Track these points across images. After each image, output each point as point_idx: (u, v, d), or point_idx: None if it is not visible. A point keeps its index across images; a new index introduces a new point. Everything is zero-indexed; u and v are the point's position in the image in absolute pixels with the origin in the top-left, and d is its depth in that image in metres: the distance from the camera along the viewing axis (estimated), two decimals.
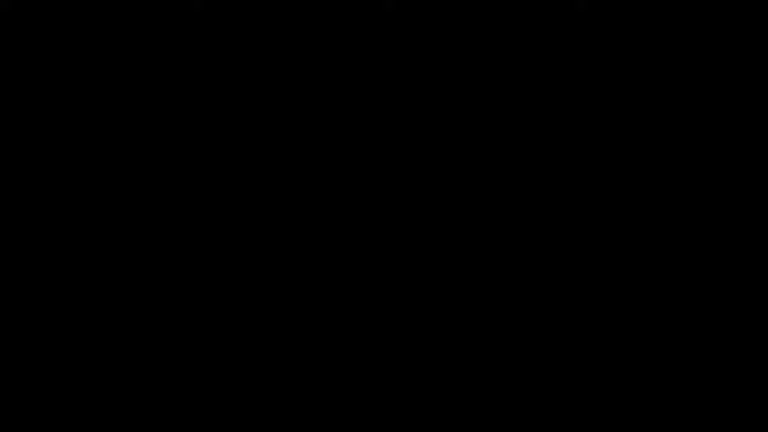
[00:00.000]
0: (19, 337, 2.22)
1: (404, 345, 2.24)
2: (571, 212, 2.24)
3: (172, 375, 2.22)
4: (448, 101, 2.26)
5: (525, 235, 2.24)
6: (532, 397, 2.21)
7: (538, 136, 2.26)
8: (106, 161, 2.26)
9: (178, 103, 2.26)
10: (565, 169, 2.25)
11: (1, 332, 2.22)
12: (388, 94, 2.27)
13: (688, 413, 2.20)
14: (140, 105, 2.26)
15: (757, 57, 2.24)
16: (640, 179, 2.24)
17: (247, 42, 2.27)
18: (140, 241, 2.25)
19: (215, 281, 2.25)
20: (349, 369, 2.23)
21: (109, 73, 2.26)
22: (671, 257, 2.23)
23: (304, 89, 2.27)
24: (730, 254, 2.22)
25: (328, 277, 2.25)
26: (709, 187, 2.23)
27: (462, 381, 2.22)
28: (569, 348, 2.22)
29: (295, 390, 2.23)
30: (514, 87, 2.26)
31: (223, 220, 2.25)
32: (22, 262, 2.24)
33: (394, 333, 2.24)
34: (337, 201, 2.26)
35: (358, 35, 2.27)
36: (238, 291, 2.25)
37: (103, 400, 2.22)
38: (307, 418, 2.22)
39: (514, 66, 2.26)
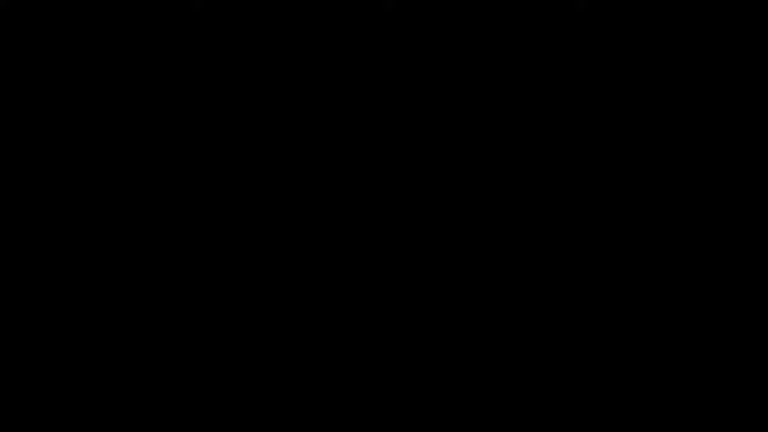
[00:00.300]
0: (19, 337, 2.22)
1: (404, 345, 2.24)
2: (571, 212, 2.24)
3: (172, 375, 2.22)
4: (448, 101, 2.27)
5: (525, 235, 2.24)
6: (532, 397, 2.22)
7: (538, 135, 2.26)
8: (106, 161, 2.25)
9: (178, 103, 2.26)
10: (565, 168, 2.25)
11: (1, 332, 2.22)
12: (388, 94, 2.27)
13: (688, 413, 2.20)
14: (140, 105, 2.26)
15: (757, 57, 2.24)
16: (640, 179, 2.24)
17: (247, 42, 2.27)
18: (140, 240, 2.24)
19: (215, 281, 2.25)
20: (349, 369, 2.23)
21: (108, 73, 2.26)
22: (671, 257, 2.23)
23: (304, 89, 2.27)
24: (730, 254, 2.23)
25: (328, 276, 2.25)
26: (708, 187, 2.24)
27: (462, 381, 2.22)
28: (569, 348, 2.23)
29: (295, 390, 2.23)
30: (514, 87, 2.26)
31: (223, 220, 2.25)
32: (22, 262, 2.23)
33: (394, 333, 2.24)
34: (337, 201, 2.26)
35: (358, 35, 2.27)
36: (238, 291, 2.24)
37: (103, 400, 2.22)
38: (307, 418, 2.22)
39: (514, 66, 2.26)
